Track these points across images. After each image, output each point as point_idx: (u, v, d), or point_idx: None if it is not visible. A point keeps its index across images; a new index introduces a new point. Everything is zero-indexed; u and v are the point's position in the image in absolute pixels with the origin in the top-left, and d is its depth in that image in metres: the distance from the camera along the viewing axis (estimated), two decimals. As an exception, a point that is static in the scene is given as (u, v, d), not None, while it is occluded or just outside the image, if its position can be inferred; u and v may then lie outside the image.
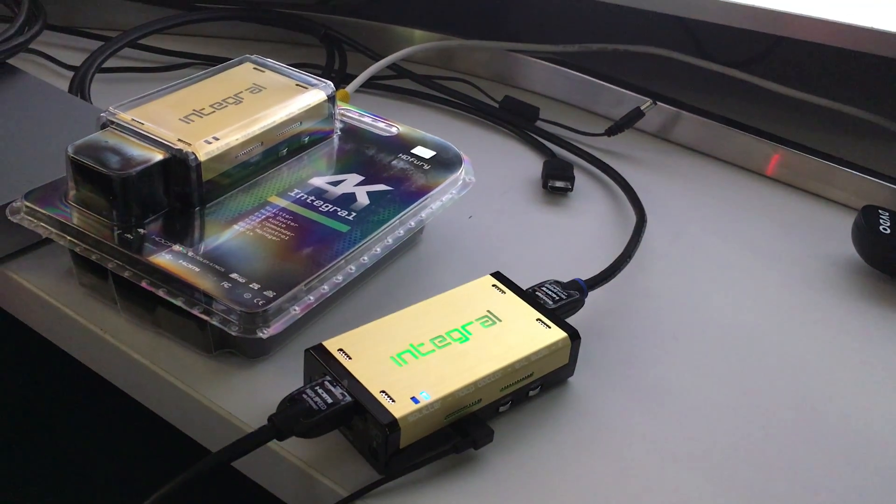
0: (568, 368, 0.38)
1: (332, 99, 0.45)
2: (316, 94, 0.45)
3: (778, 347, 0.42)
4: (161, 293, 0.35)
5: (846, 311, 0.45)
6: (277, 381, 0.36)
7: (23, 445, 0.64)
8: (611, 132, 0.57)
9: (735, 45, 0.67)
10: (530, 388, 0.37)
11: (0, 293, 0.42)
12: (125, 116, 0.40)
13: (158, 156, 0.38)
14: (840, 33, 0.53)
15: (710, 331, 0.43)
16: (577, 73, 0.62)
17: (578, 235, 0.49)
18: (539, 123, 0.59)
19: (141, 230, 0.38)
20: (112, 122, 0.40)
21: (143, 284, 0.36)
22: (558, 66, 0.63)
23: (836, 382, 0.41)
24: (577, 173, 0.53)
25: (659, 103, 0.58)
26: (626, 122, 0.57)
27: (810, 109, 0.61)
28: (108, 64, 0.57)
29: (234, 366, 0.37)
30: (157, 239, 0.37)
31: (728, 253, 0.49)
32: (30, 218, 0.38)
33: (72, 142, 0.38)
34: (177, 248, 0.37)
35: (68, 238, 0.38)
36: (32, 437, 0.65)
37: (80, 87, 0.53)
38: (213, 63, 0.55)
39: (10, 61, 0.52)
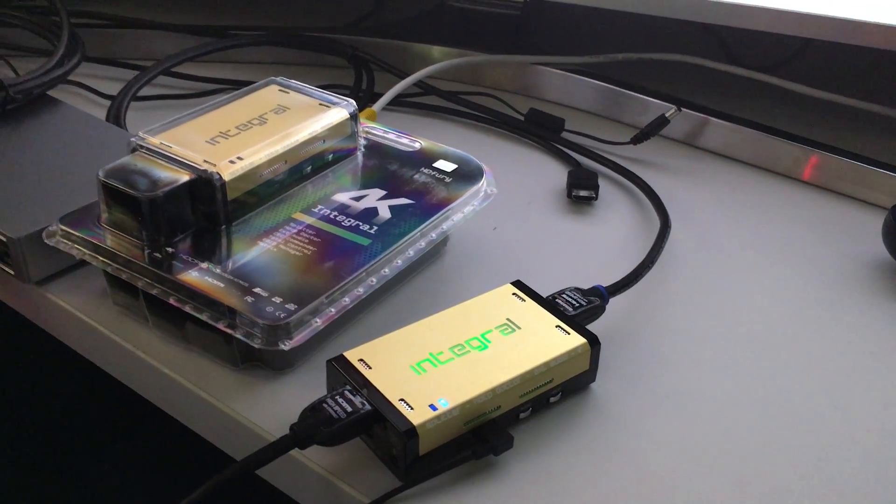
0: (589, 374, 0.38)
1: (354, 117, 0.46)
2: (338, 112, 0.46)
3: (805, 349, 0.42)
4: (188, 309, 0.37)
5: (877, 311, 0.45)
6: (301, 392, 0.37)
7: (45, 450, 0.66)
8: (636, 140, 0.57)
9: (762, 49, 0.67)
10: (551, 395, 0.37)
11: (39, 314, 0.44)
12: (154, 140, 0.41)
13: (185, 177, 0.40)
14: (867, 32, 0.53)
15: (734, 335, 0.43)
16: (602, 83, 0.63)
17: (602, 244, 0.49)
18: (564, 134, 0.59)
19: (169, 249, 0.39)
20: (141, 147, 0.41)
21: (171, 301, 0.37)
22: (583, 77, 0.63)
23: (865, 383, 0.40)
24: (602, 182, 0.53)
25: (685, 110, 0.58)
26: (652, 130, 0.57)
27: (840, 111, 0.60)
28: (143, 92, 0.59)
29: (260, 378, 0.38)
30: (184, 257, 0.39)
31: (755, 256, 0.49)
32: (65, 241, 0.40)
33: (101, 167, 0.40)
34: (203, 265, 0.38)
35: (101, 259, 0.39)
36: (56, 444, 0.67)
37: (116, 115, 0.55)
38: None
39: (50, 92, 0.54)
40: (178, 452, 0.65)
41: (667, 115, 0.57)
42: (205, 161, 0.40)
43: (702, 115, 0.59)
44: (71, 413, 0.71)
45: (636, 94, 0.61)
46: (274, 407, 0.37)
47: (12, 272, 0.43)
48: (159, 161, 0.40)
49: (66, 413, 0.71)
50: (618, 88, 0.62)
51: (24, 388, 0.72)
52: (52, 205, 0.43)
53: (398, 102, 0.61)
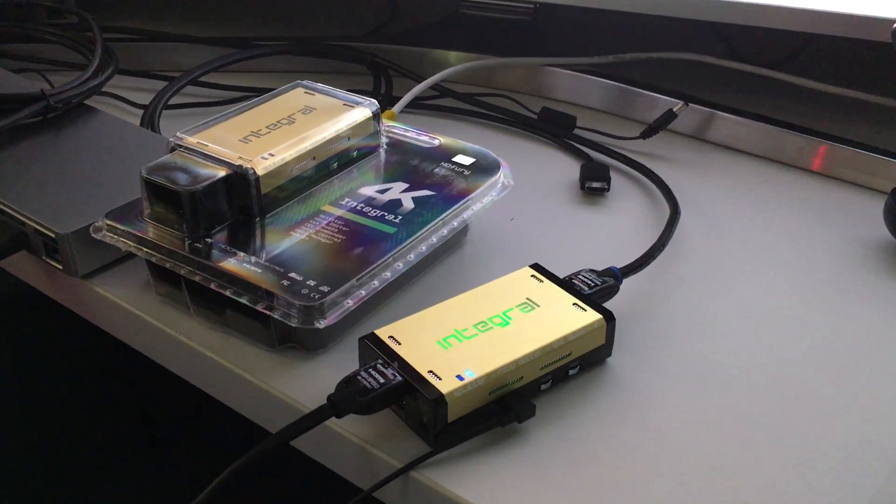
0: (605, 349, 0.40)
1: (376, 115, 0.49)
2: (362, 111, 0.48)
3: (811, 325, 0.44)
4: (229, 293, 0.39)
5: (880, 288, 0.47)
6: (335, 369, 0.39)
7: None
8: (645, 135, 0.59)
9: (766, 45, 0.69)
10: (570, 367, 0.39)
11: (85, 306, 0.47)
12: (191, 140, 0.44)
13: (221, 172, 0.42)
14: (868, 26, 0.55)
15: (743, 313, 0.45)
16: (611, 82, 0.65)
17: (615, 231, 0.51)
18: (576, 131, 0.62)
19: (209, 240, 0.42)
20: (179, 146, 0.44)
21: (213, 286, 0.40)
22: (592, 77, 0.66)
23: (869, 354, 0.42)
24: (613, 175, 0.56)
25: (692, 105, 0.61)
26: (660, 124, 0.59)
27: (844, 103, 0.62)
28: (173, 101, 0.62)
29: (296, 358, 0.40)
30: (223, 247, 0.41)
31: (762, 239, 0.51)
32: (111, 235, 0.43)
33: (144, 165, 0.43)
34: (241, 254, 0.41)
35: (145, 250, 0.42)
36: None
37: (150, 121, 0.58)
38: (268, 93, 0.59)
39: (86, 102, 0.57)
40: (204, 462, 0.68)
41: (674, 109, 0.59)
42: (240, 158, 0.43)
43: (709, 109, 0.62)
44: (95, 420, 0.74)
45: (644, 92, 0.64)
46: (309, 383, 0.39)
47: (60, 267, 0.45)
48: (197, 159, 0.43)
49: (90, 419, 0.74)
50: (626, 86, 0.65)
51: (50, 393, 0.75)
52: (94, 203, 0.46)
53: (416, 105, 0.64)
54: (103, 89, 0.60)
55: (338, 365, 0.40)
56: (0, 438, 0.70)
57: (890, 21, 0.54)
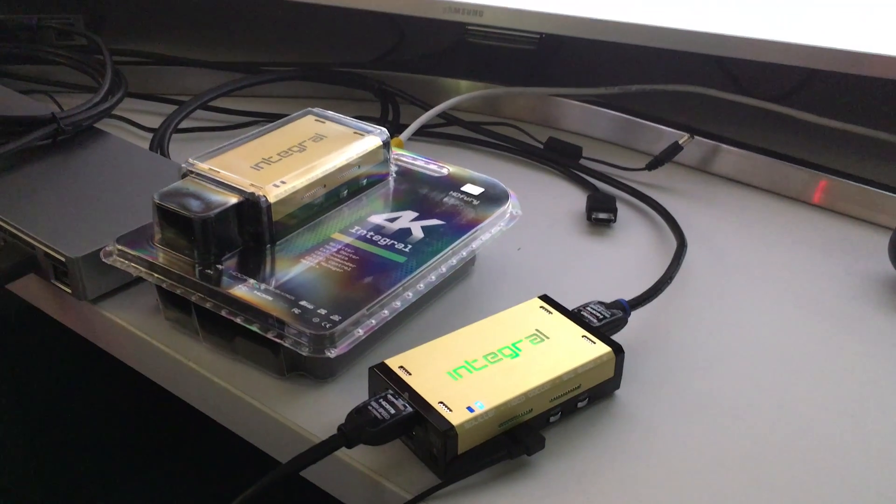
0: (614, 381, 0.40)
1: (386, 144, 0.49)
2: (372, 140, 0.49)
3: (817, 359, 0.44)
4: (239, 320, 0.39)
5: (884, 323, 0.47)
6: (344, 398, 0.39)
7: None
8: (651, 166, 0.60)
9: (770, 80, 0.70)
10: (578, 400, 0.39)
11: (94, 330, 0.47)
12: (203, 166, 0.44)
13: (233, 199, 0.42)
14: (869, 63, 0.56)
15: (749, 345, 0.45)
16: (618, 113, 0.66)
17: (622, 262, 0.51)
18: (582, 161, 0.62)
19: (219, 266, 0.42)
20: (191, 172, 0.44)
21: (223, 313, 0.40)
22: (599, 108, 0.66)
23: (874, 389, 0.42)
24: (619, 205, 0.56)
25: (697, 137, 0.61)
26: (666, 156, 0.60)
27: (845, 138, 0.63)
28: (182, 125, 0.62)
29: (305, 386, 0.41)
30: (233, 273, 0.41)
31: (767, 272, 0.51)
32: (121, 259, 0.43)
33: (156, 191, 0.43)
34: (251, 281, 0.41)
35: (156, 276, 0.42)
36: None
37: (159, 144, 0.59)
38: (276, 121, 0.60)
39: (96, 125, 0.58)
40: (211, 479, 0.67)
41: (680, 142, 0.60)
42: (251, 185, 0.43)
43: (713, 142, 0.62)
44: (100, 437, 0.74)
45: (650, 123, 0.64)
46: (319, 412, 0.39)
47: (69, 290, 0.45)
48: (208, 185, 0.43)
49: (94, 438, 0.73)
50: (632, 118, 0.65)
51: (68, 406, 0.75)
52: (104, 227, 0.46)
53: (423, 132, 0.65)
54: (112, 112, 0.60)
55: (347, 393, 0.40)
56: (3, 456, 0.70)
57: (891, 58, 0.54)
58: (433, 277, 0.43)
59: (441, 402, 0.36)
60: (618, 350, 0.40)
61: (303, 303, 0.39)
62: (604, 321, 0.42)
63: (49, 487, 0.69)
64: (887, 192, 0.57)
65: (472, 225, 0.46)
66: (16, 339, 0.77)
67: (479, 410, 0.36)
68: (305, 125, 0.50)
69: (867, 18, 0.56)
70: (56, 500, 0.69)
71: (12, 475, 0.70)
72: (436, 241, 0.45)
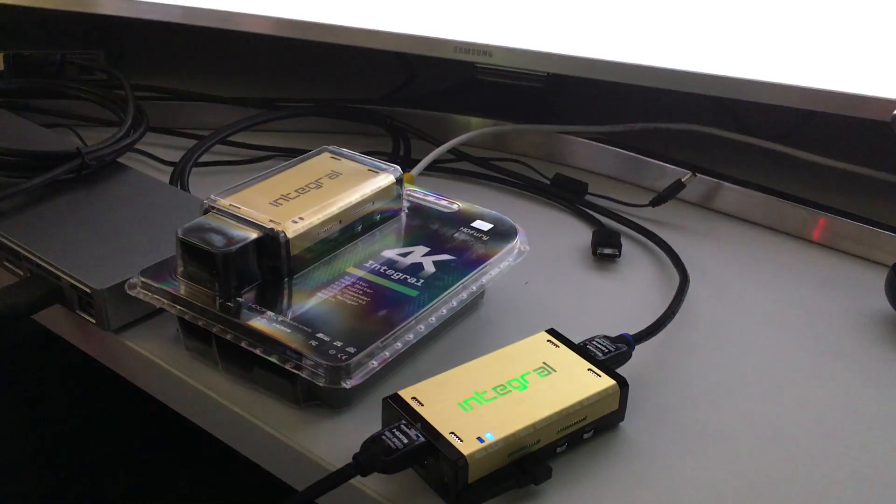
0: (618, 414, 0.42)
1: (400, 181, 0.51)
2: (386, 177, 0.50)
3: (815, 395, 0.46)
4: (258, 352, 0.41)
5: (881, 360, 0.48)
6: (358, 427, 0.41)
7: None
8: (655, 203, 0.62)
9: (771, 119, 0.72)
10: (584, 431, 0.41)
11: (116, 359, 0.48)
12: (224, 202, 0.46)
13: (254, 234, 0.44)
14: (867, 105, 0.58)
15: (751, 379, 0.46)
16: (622, 151, 0.68)
17: (626, 297, 0.53)
18: (588, 197, 0.64)
19: (239, 299, 0.43)
20: (213, 208, 0.46)
21: (243, 345, 0.41)
22: (604, 145, 0.68)
23: (873, 425, 0.44)
24: (624, 241, 0.58)
25: (700, 175, 0.63)
26: (669, 194, 0.62)
27: (845, 176, 0.65)
28: (202, 159, 0.64)
29: (320, 416, 0.42)
30: (253, 306, 0.43)
31: (767, 308, 0.53)
32: (145, 291, 0.45)
33: (179, 226, 0.44)
34: (270, 313, 0.43)
35: (178, 307, 0.43)
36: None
37: (179, 178, 0.61)
38: (293, 154, 0.62)
39: (119, 160, 0.60)
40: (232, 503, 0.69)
41: (683, 179, 0.62)
42: (271, 220, 0.45)
43: (715, 179, 0.64)
44: (128, 459, 0.75)
45: (654, 161, 0.66)
46: (334, 441, 0.40)
47: (94, 321, 0.47)
48: (229, 220, 0.45)
49: (123, 458, 0.75)
50: (637, 155, 0.67)
51: (85, 433, 0.76)
52: (127, 259, 0.48)
53: (433, 168, 0.66)
54: (135, 147, 0.62)
55: (361, 422, 0.42)
56: (14, 480, 0.71)
57: (888, 101, 0.56)
58: (444, 311, 0.45)
59: (452, 433, 0.37)
60: (622, 383, 0.41)
61: (319, 335, 0.41)
62: (609, 355, 0.43)
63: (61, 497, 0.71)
64: (885, 231, 0.58)
65: (481, 260, 0.48)
66: (34, 366, 0.78)
67: (488, 441, 0.37)
68: (322, 162, 0.52)
69: (866, 61, 0.58)
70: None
71: (26, 500, 0.71)
72: (447, 275, 0.46)
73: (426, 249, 0.48)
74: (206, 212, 0.46)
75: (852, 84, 0.58)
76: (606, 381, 0.41)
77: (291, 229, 0.45)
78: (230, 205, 0.46)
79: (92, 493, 0.72)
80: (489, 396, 0.40)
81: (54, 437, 0.76)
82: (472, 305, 0.51)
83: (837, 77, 0.58)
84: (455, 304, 0.45)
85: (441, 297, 0.45)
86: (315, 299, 0.44)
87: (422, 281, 0.46)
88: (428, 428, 0.38)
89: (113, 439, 0.76)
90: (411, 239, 0.50)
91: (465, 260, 0.48)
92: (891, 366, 0.48)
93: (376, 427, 0.40)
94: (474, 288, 0.46)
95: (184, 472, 0.74)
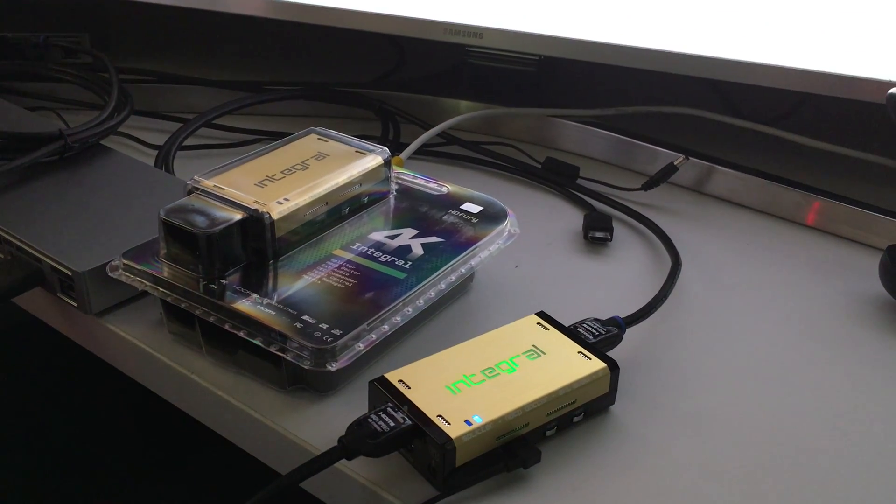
0: (609, 397, 0.41)
1: (387, 163, 0.50)
2: (373, 159, 0.50)
3: (807, 378, 0.45)
4: (242, 334, 0.40)
5: (874, 343, 0.48)
6: (344, 411, 0.40)
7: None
8: (647, 186, 0.61)
9: (764, 102, 0.71)
10: (574, 415, 0.40)
11: (98, 343, 0.47)
12: (208, 183, 0.45)
13: (237, 216, 0.43)
14: (862, 87, 0.57)
15: (742, 363, 0.46)
16: (614, 134, 0.67)
17: (618, 281, 0.52)
18: (579, 181, 0.63)
19: (223, 281, 0.43)
20: (197, 189, 0.45)
21: (226, 327, 0.40)
22: (596, 129, 0.67)
23: (864, 407, 0.43)
24: (615, 225, 0.57)
25: (692, 158, 0.62)
26: (661, 177, 0.61)
27: (839, 160, 0.64)
28: (187, 142, 0.63)
29: (306, 400, 0.41)
30: (237, 288, 0.42)
31: (760, 293, 0.52)
32: (127, 274, 0.44)
33: (162, 207, 0.44)
34: (254, 296, 0.42)
35: (161, 290, 0.43)
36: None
37: (164, 161, 0.60)
38: (280, 138, 0.61)
39: (102, 142, 0.59)
40: (217, 487, 0.68)
41: (675, 162, 0.61)
42: (255, 202, 0.44)
43: (708, 163, 0.63)
44: (111, 442, 0.74)
45: (646, 144, 0.66)
46: (319, 425, 0.40)
47: (75, 304, 0.46)
48: (213, 202, 0.44)
49: (106, 442, 0.74)
50: (629, 139, 0.66)
51: (74, 414, 0.75)
52: (109, 242, 0.47)
53: (423, 151, 0.66)
54: (119, 130, 0.61)
55: (347, 406, 0.41)
56: (5, 462, 0.70)
57: (883, 83, 0.56)
58: (432, 293, 0.44)
59: (440, 416, 0.37)
60: (613, 366, 0.40)
61: (305, 317, 0.40)
62: (599, 338, 0.43)
63: (47, 497, 0.70)
64: (879, 214, 0.58)
65: (470, 242, 0.47)
66: (17, 351, 0.77)
67: (476, 424, 0.36)
68: (308, 144, 0.51)
69: (860, 42, 0.57)
70: (57, 497, 0.69)
71: (10, 486, 0.70)
72: (435, 258, 0.45)
73: (414, 232, 0.48)
74: (189, 193, 0.45)
75: (846, 66, 0.57)
76: (596, 364, 0.40)
77: (276, 210, 0.44)
78: (214, 186, 0.45)
79: (74, 480, 0.71)
80: (477, 379, 0.39)
81: (37, 424, 0.75)
82: (462, 289, 0.50)
83: (831, 59, 0.57)
84: (443, 286, 0.44)
85: (429, 279, 0.44)
86: (301, 282, 0.43)
87: (410, 263, 0.45)
88: (415, 411, 0.37)
89: (95, 425, 0.75)
90: (399, 221, 0.49)
91: (454, 242, 0.47)
92: (884, 349, 0.48)
93: (363, 411, 0.39)
94: (463, 270, 0.46)
95: (166, 458, 0.73)
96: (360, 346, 0.40)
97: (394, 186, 0.52)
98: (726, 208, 0.62)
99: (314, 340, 0.39)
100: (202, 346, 0.44)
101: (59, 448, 0.73)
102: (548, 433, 0.39)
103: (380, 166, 0.50)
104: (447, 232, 0.48)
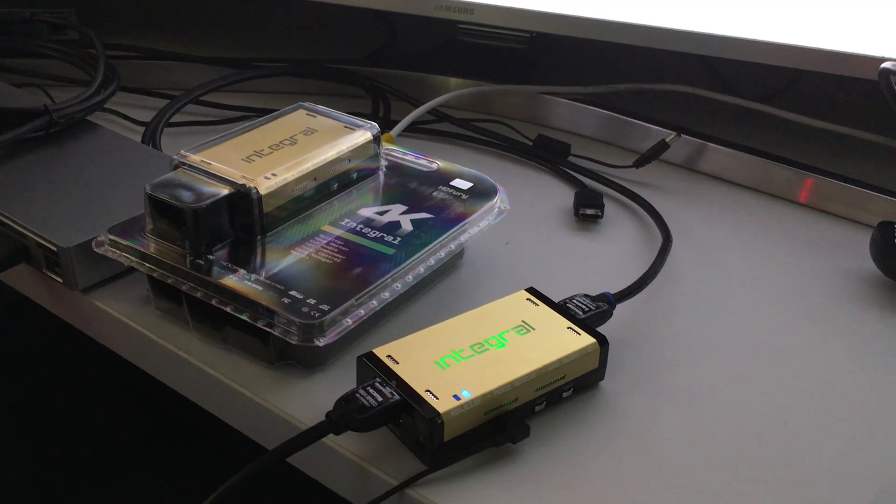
0: (598, 372, 0.41)
1: (377, 138, 0.50)
2: (362, 134, 0.49)
3: (798, 353, 0.45)
4: (229, 310, 0.40)
5: (865, 319, 0.48)
6: (332, 387, 0.40)
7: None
8: (638, 164, 0.61)
9: (757, 80, 0.70)
10: (563, 390, 0.40)
11: (84, 320, 0.47)
12: (195, 158, 0.45)
13: (224, 191, 0.43)
14: (854, 63, 0.57)
15: (733, 339, 0.46)
16: (605, 111, 0.66)
17: (608, 257, 0.52)
18: (571, 159, 0.63)
19: (210, 256, 0.42)
20: (183, 164, 0.45)
21: (213, 303, 0.40)
22: (587, 106, 0.67)
23: (855, 383, 0.43)
24: (606, 202, 0.57)
25: (684, 135, 0.62)
26: (653, 154, 0.61)
27: (831, 137, 0.64)
28: (174, 119, 0.63)
29: (294, 375, 0.41)
30: (224, 264, 0.42)
31: (751, 269, 0.52)
32: (113, 249, 0.43)
33: (148, 182, 0.43)
34: (242, 271, 0.41)
35: (147, 265, 0.42)
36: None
37: (151, 138, 0.59)
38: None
39: (88, 118, 0.58)
40: (202, 470, 0.68)
41: (667, 139, 0.60)
42: (243, 177, 0.43)
43: (700, 140, 0.63)
44: (100, 419, 0.74)
45: (638, 122, 0.65)
46: (307, 400, 0.40)
47: (61, 280, 0.46)
48: (200, 177, 0.44)
49: (94, 418, 0.74)
50: (620, 116, 0.66)
51: (64, 396, 0.75)
52: (95, 217, 0.46)
53: (413, 129, 0.65)
54: (105, 106, 0.60)
55: (335, 383, 0.41)
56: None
57: (875, 59, 0.55)
58: (422, 269, 0.44)
59: (428, 391, 0.36)
60: (602, 341, 0.40)
61: (292, 293, 0.40)
62: (589, 313, 0.43)
63: (36, 474, 0.70)
64: (871, 191, 0.58)
65: (460, 218, 0.47)
66: (4, 330, 0.77)
67: (465, 399, 0.36)
68: (296, 119, 0.50)
69: (853, 19, 0.57)
70: (43, 486, 0.69)
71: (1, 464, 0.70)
72: (425, 233, 0.45)
73: (404, 208, 0.47)
74: (176, 167, 0.45)
75: (839, 42, 0.57)
76: (586, 340, 0.40)
77: (264, 185, 0.43)
78: (201, 160, 0.45)
79: (64, 457, 0.71)
80: (466, 354, 0.39)
81: (29, 401, 0.75)
82: (452, 265, 0.50)
83: (824, 35, 0.57)
84: (433, 262, 0.44)
85: (418, 255, 0.44)
86: (289, 258, 0.43)
87: (399, 239, 0.45)
88: (403, 386, 0.37)
89: (83, 401, 0.75)
90: (389, 197, 0.48)
91: (444, 218, 0.47)
92: (875, 326, 0.48)
93: (351, 387, 0.39)
94: (453, 246, 0.45)
95: (154, 434, 0.73)
96: (348, 322, 0.40)
97: (383, 162, 0.51)
98: (718, 186, 0.62)
99: (302, 316, 0.39)
100: (189, 321, 0.43)
101: (45, 422, 0.73)
102: (537, 408, 0.39)
103: (369, 142, 0.49)
104: (437, 208, 0.47)
